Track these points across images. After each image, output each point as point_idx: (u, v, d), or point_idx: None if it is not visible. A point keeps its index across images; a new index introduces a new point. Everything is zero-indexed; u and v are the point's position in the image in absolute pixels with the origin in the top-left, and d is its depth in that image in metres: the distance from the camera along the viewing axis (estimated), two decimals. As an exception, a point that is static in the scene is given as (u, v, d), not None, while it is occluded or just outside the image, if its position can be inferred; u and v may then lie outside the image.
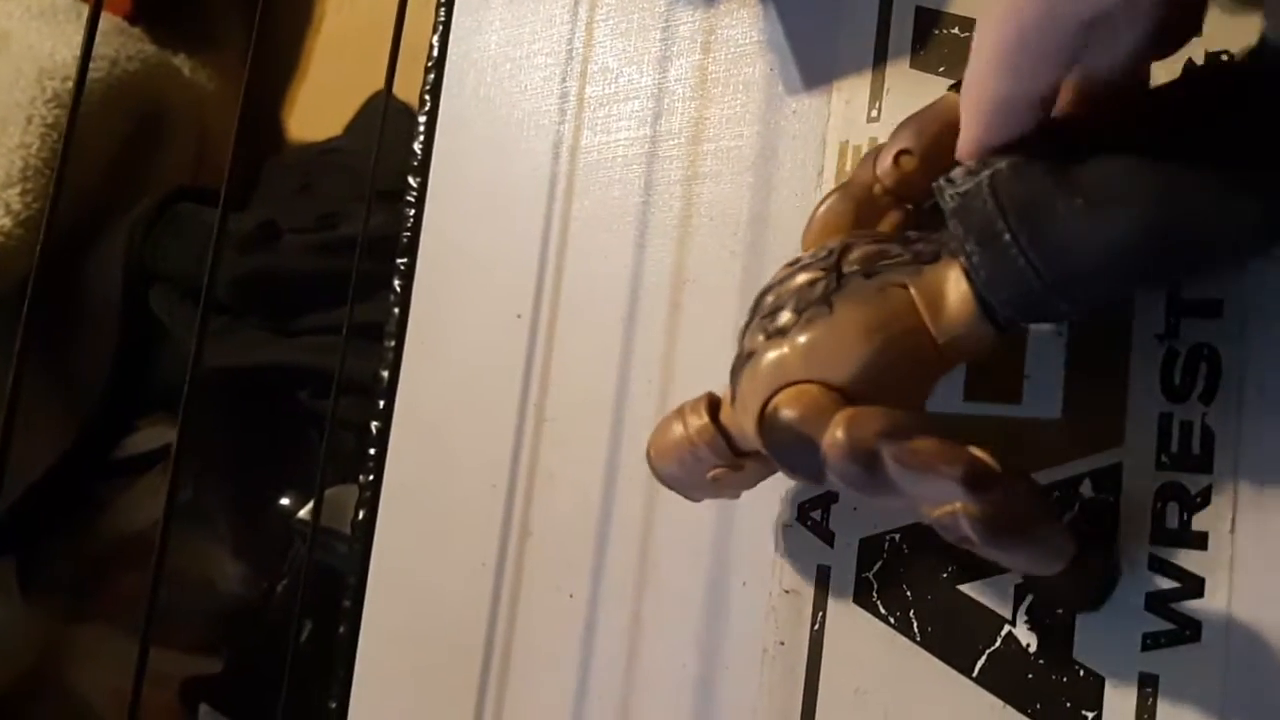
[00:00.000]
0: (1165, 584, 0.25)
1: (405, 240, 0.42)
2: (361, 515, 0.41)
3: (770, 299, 0.24)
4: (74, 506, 0.77)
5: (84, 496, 0.78)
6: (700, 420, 0.26)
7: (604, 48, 0.37)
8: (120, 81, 0.75)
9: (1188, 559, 0.25)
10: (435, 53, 0.42)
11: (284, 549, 0.70)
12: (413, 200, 0.42)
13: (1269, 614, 0.24)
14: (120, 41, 0.76)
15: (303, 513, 0.68)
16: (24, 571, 0.76)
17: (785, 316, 0.23)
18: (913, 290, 0.23)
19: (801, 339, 0.23)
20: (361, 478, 0.42)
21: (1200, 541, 0.25)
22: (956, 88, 0.24)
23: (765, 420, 0.23)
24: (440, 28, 0.42)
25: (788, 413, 0.22)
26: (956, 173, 0.22)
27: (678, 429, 0.26)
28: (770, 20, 0.33)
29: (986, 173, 0.21)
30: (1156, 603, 0.25)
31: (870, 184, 0.26)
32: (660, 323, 0.33)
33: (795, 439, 0.22)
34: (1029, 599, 0.27)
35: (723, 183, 0.33)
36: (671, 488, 0.28)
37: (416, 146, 0.42)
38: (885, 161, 0.25)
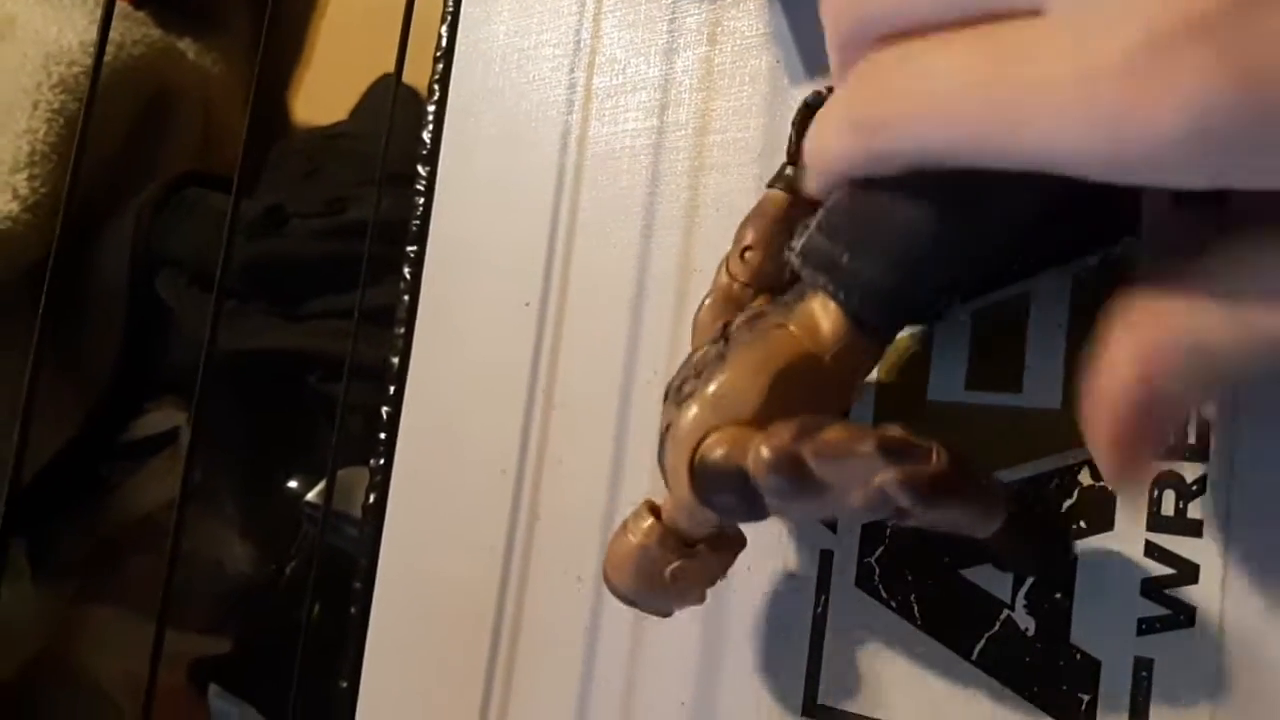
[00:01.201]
0: (1161, 570, 0.26)
1: (415, 228, 0.42)
2: (372, 499, 0.42)
3: (675, 384, 0.26)
4: (83, 489, 0.78)
5: (93, 479, 0.79)
6: (645, 521, 0.27)
7: (611, 39, 0.38)
8: (126, 66, 0.75)
9: (1183, 546, 0.26)
10: (444, 43, 0.43)
11: (293, 531, 0.71)
12: (422, 189, 0.42)
13: (1261, 600, 0.25)
14: (125, 26, 0.76)
15: (311, 495, 0.69)
16: (34, 553, 0.77)
17: (689, 386, 0.25)
18: (791, 326, 0.25)
19: (708, 391, 0.24)
20: (372, 462, 0.42)
21: (1195, 529, 0.26)
22: (774, 183, 0.28)
23: (694, 472, 0.24)
24: (449, 17, 0.42)
25: (712, 454, 0.24)
26: (794, 240, 0.25)
27: (625, 539, 0.27)
28: (776, 13, 0.34)
29: (814, 222, 0.24)
30: (1152, 588, 0.26)
31: (729, 285, 0.28)
32: (667, 312, 0.34)
33: (724, 476, 0.23)
34: (1028, 583, 0.27)
35: (730, 174, 0.34)
36: (635, 603, 0.28)
37: (425, 135, 0.42)
38: (735, 262, 0.28)
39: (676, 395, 0.25)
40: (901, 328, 0.27)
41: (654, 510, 0.27)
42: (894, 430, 0.22)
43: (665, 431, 0.25)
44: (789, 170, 0.28)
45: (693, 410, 0.24)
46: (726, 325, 0.26)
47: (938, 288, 0.24)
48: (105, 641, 0.75)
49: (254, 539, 0.74)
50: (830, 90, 0.26)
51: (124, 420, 0.80)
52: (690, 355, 0.27)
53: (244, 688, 0.68)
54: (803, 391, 0.24)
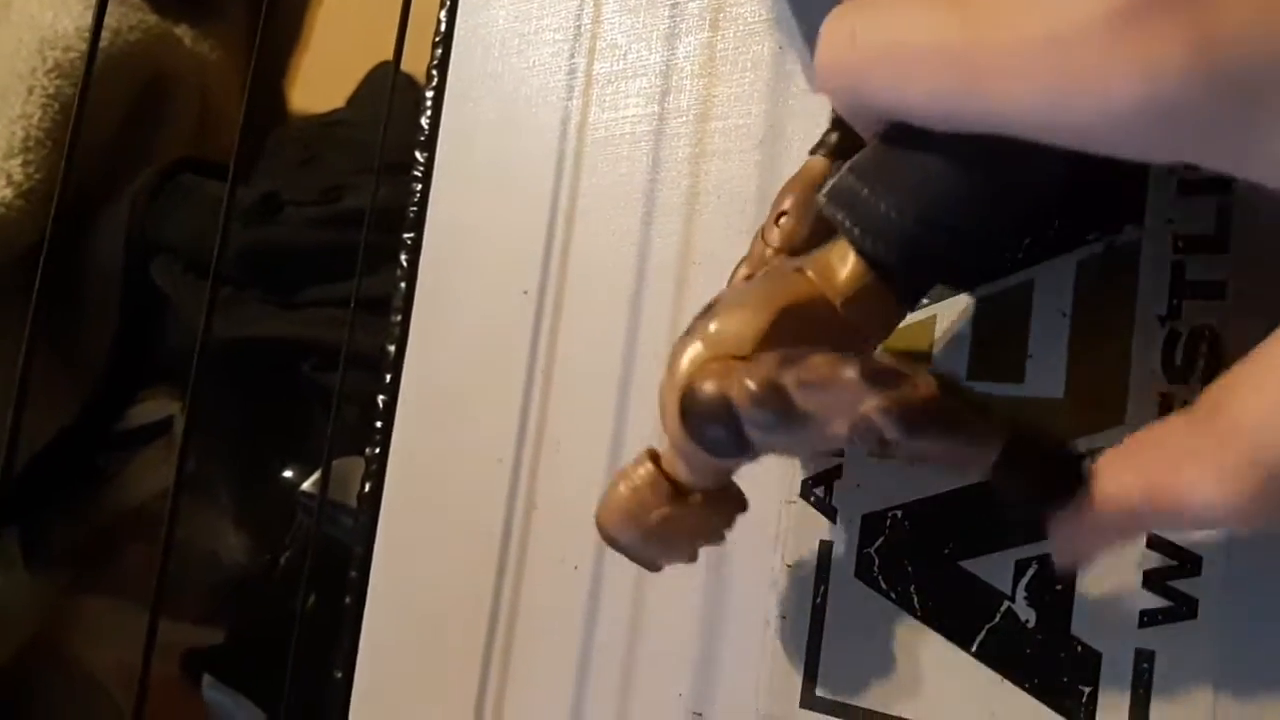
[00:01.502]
0: (1162, 562, 0.26)
1: (412, 215, 0.42)
2: (368, 488, 0.42)
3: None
4: (77, 478, 0.78)
5: (87, 468, 0.78)
6: (642, 466, 0.26)
7: (612, 24, 0.37)
8: (122, 52, 0.74)
9: (1185, 537, 0.25)
10: (443, 27, 0.42)
11: (287, 521, 0.70)
12: (419, 175, 0.42)
13: (1264, 592, 0.25)
14: (121, 11, 0.75)
15: (306, 485, 0.69)
16: (27, 542, 0.76)
17: (691, 324, 0.24)
18: (808, 271, 0.24)
19: (709, 328, 0.24)
20: (368, 450, 0.42)
21: (1198, 520, 0.25)
22: (816, 150, 0.27)
23: (684, 404, 0.23)
24: (448, 2, 0.42)
25: (702, 387, 0.23)
26: (825, 182, 0.24)
27: (620, 484, 0.26)
28: (779, -2, 0.34)
29: (845, 165, 0.24)
30: (1154, 580, 0.26)
31: (762, 251, 0.27)
32: (667, 300, 0.34)
33: (712, 409, 0.23)
34: (1029, 574, 0.27)
35: (731, 161, 0.33)
36: (624, 550, 0.27)
37: (424, 121, 0.42)
38: (770, 228, 0.27)
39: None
40: (916, 290, 0.25)
41: (653, 457, 0.26)
42: (880, 358, 0.21)
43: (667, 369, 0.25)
44: (831, 137, 0.27)
45: (691, 346, 0.24)
46: (748, 280, 0.26)
47: (954, 240, 0.23)
48: (99, 631, 0.74)
49: (249, 529, 0.73)
50: None
51: (118, 409, 0.80)
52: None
53: (238, 678, 0.68)
54: (808, 334, 0.23)
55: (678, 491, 0.26)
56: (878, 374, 0.21)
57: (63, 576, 0.77)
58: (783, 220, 0.27)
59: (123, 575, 0.75)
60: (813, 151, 0.27)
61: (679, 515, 0.26)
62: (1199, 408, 0.20)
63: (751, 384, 0.22)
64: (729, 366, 0.23)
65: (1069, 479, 0.22)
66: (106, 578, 0.76)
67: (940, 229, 0.23)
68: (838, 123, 0.27)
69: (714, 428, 0.23)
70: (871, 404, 0.21)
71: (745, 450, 0.23)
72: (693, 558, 0.27)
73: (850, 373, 0.21)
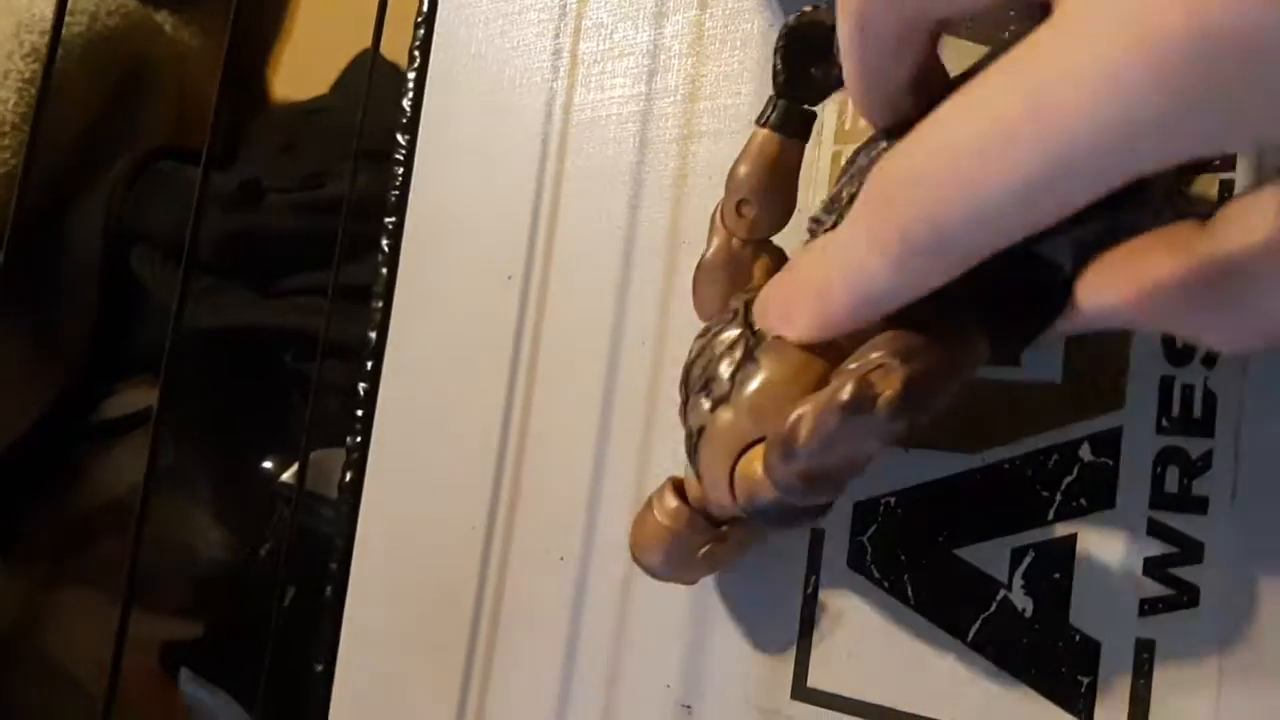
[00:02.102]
0: (1164, 549, 0.25)
1: (393, 199, 0.41)
2: (349, 478, 0.41)
3: (697, 372, 0.25)
4: (53, 470, 0.76)
5: (63, 460, 0.77)
6: (672, 503, 0.27)
7: (598, 3, 0.37)
8: (100, 37, 0.73)
9: (1187, 524, 0.25)
10: (425, 8, 0.41)
11: (267, 513, 0.69)
12: (401, 159, 0.41)
13: (1268, 579, 0.24)
14: (100, -5, 0.74)
15: (286, 476, 0.68)
16: (1, 535, 0.75)
17: (721, 384, 0.24)
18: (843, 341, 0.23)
19: (744, 399, 0.23)
20: (349, 440, 0.41)
21: (1200, 506, 0.25)
22: (762, 120, 0.26)
23: (735, 487, 0.24)
24: (430, -19, 0.41)
25: (751, 475, 0.23)
26: (817, 212, 0.24)
27: (653, 520, 0.27)
28: (769, -24, 0.33)
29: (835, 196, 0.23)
30: (1155, 568, 0.25)
31: (728, 242, 0.27)
32: (655, 284, 0.33)
33: (763, 496, 0.23)
34: (1027, 562, 0.26)
35: (721, 141, 0.33)
36: (663, 578, 0.29)
37: (405, 104, 0.41)
38: (730, 216, 0.26)
39: (704, 394, 0.24)
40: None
41: (679, 491, 0.27)
42: (841, 382, 0.20)
43: (698, 434, 0.24)
44: (778, 105, 0.26)
45: (730, 418, 0.23)
46: (748, 306, 0.24)
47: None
48: (74, 625, 0.73)
49: (228, 521, 0.72)
50: (816, 8, 0.24)
51: (96, 400, 0.79)
52: (706, 332, 0.25)
53: (217, 673, 0.66)
54: None
55: (711, 523, 0.27)
56: (855, 402, 0.20)
57: (39, 570, 0.76)
58: (745, 209, 0.26)
59: (99, 568, 0.74)
60: (759, 121, 0.26)
61: (719, 549, 0.27)
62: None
63: (771, 487, 0.22)
64: (758, 461, 0.23)
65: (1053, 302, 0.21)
66: (82, 570, 0.75)
67: None
68: (783, 89, 0.25)
69: (767, 510, 0.23)
70: (872, 426, 0.20)
71: (803, 518, 0.24)
72: (731, 568, 0.29)
73: (834, 419, 0.20)
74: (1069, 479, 0.26)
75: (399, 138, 0.42)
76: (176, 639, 0.69)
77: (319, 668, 0.40)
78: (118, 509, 0.77)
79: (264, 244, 0.64)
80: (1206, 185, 0.26)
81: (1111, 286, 0.20)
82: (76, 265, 0.76)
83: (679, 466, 0.29)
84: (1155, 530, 0.25)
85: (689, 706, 0.31)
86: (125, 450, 0.77)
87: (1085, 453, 0.26)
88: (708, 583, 0.31)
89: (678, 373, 0.26)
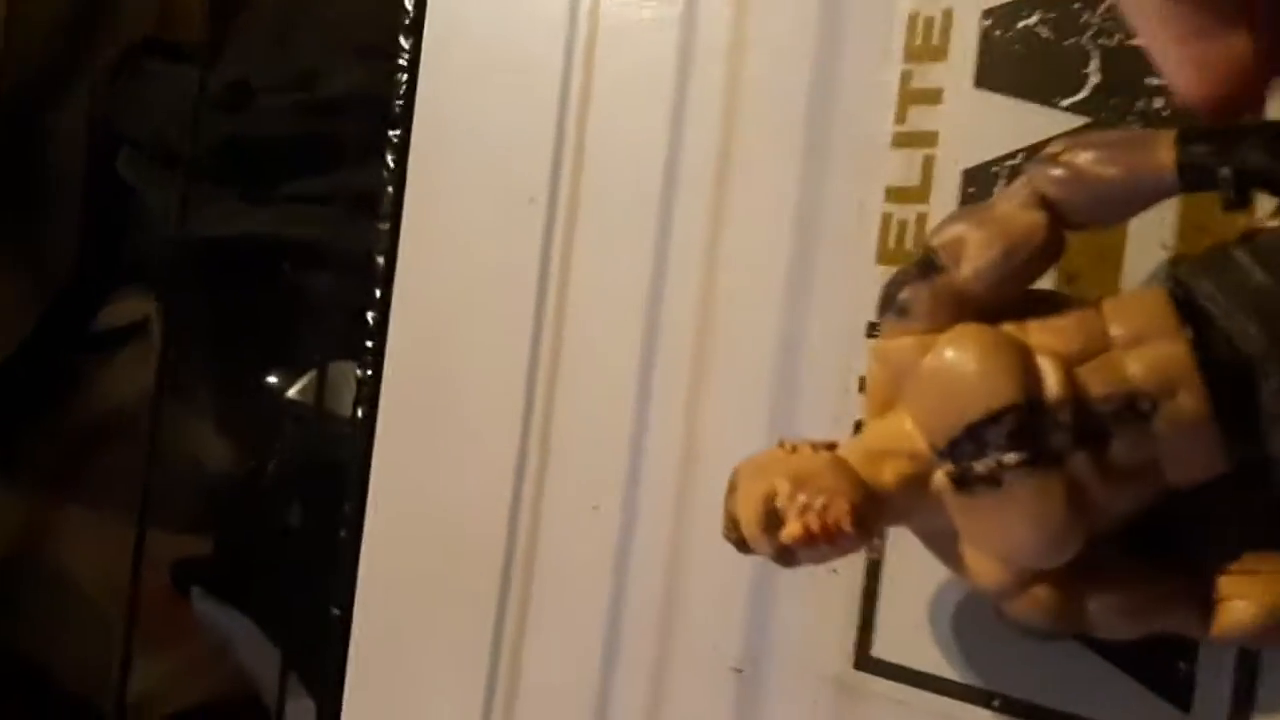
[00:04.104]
0: None
1: (398, 109, 0.37)
2: (360, 413, 0.38)
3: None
4: (50, 382, 0.74)
5: (60, 372, 0.75)
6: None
7: (628, -115, 0.32)
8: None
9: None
10: (429, -111, 0.37)
11: (273, 428, 0.67)
12: (405, 64, 0.37)
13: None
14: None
15: (293, 391, 0.65)
16: (1, 449, 0.73)
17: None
18: None
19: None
20: (359, 372, 0.38)
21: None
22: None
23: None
24: None
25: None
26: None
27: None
28: None
29: None
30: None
31: (951, 279, 0.21)
32: (701, 211, 0.29)
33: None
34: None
35: (777, 56, 0.29)
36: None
37: (408, 2, 0.37)
38: (964, 263, 0.21)
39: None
40: None
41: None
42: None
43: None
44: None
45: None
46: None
47: None
48: (80, 539, 0.72)
49: (232, 435, 0.70)
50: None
51: (90, 309, 0.76)
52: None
53: (230, 591, 0.65)
54: None
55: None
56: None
57: (41, 484, 0.75)
58: (980, 260, 0.21)
59: (102, 482, 0.72)
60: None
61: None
62: None
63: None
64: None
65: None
66: (85, 485, 0.73)
67: None
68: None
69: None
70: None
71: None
72: None
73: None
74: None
75: (401, 40, 0.37)
76: (187, 556, 0.68)
77: (336, 612, 0.38)
78: (119, 419, 0.74)
79: (257, 149, 0.60)
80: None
81: None
82: (61, 168, 0.73)
83: (734, 415, 0.26)
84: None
85: (740, 670, 0.29)
86: (123, 362, 0.75)
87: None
88: (759, 543, 0.29)
89: (730, 308, 0.23)
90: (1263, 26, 0.18)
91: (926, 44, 0.26)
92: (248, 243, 0.63)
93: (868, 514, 0.20)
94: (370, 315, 0.38)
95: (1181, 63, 0.18)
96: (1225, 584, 0.21)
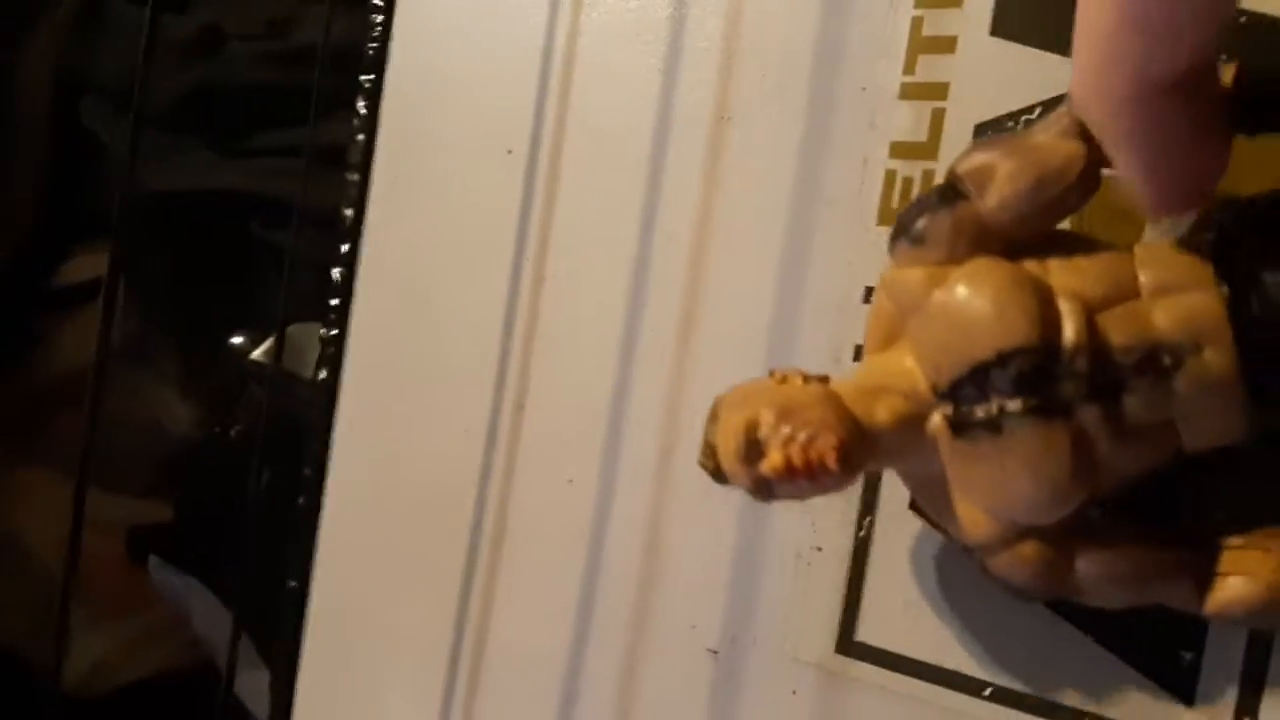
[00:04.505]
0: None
1: (371, 53, 0.35)
2: (323, 375, 0.36)
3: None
4: (9, 339, 0.72)
5: (20, 329, 0.72)
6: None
7: None
8: None
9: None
10: None
11: (238, 391, 0.65)
12: (380, 4, 0.35)
13: None
14: None
15: (257, 354, 0.63)
16: (-44, 408, 0.71)
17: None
18: None
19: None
20: (323, 331, 0.36)
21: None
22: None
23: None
24: None
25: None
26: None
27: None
28: None
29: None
30: (1285, 531, 0.21)
31: (977, 209, 0.20)
32: (693, 169, 0.28)
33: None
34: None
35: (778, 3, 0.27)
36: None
37: (386, -61, 0.35)
38: (987, 192, 0.20)
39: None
40: None
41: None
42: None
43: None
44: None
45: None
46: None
47: None
48: (36, 505, 0.70)
49: (195, 398, 0.68)
50: None
51: (51, 264, 0.74)
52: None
53: (188, 559, 0.63)
54: None
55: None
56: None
57: (-3, 445, 0.72)
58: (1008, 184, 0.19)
59: (58, 445, 0.70)
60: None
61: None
62: None
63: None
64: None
65: None
66: (41, 448, 0.71)
67: None
68: None
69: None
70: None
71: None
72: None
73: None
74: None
75: (378, -20, 0.36)
76: (143, 522, 0.66)
77: (292, 584, 0.37)
78: (79, 380, 0.72)
79: (227, 98, 0.58)
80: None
81: None
82: (22, 116, 0.70)
83: (721, 384, 0.25)
84: None
85: (716, 651, 0.28)
86: (86, 319, 0.72)
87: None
88: (743, 518, 0.27)
89: (721, 275, 0.21)
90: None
91: (936, -12, 0.25)
92: (215, 197, 0.61)
93: (854, 452, 0.19)
94: (337, 272, 0.36)
95: (1163, 179, 0.18)
96: (1230, 558, 0.19)
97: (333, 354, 0.36)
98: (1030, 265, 0.19)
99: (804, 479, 0.19)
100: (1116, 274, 0.19)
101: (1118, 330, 0.18)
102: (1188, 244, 0.19)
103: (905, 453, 0.20)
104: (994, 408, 0.18)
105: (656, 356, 0.29)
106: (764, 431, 0.19)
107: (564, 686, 0.30)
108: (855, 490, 0.26)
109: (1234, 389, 0.18)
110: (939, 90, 0.24)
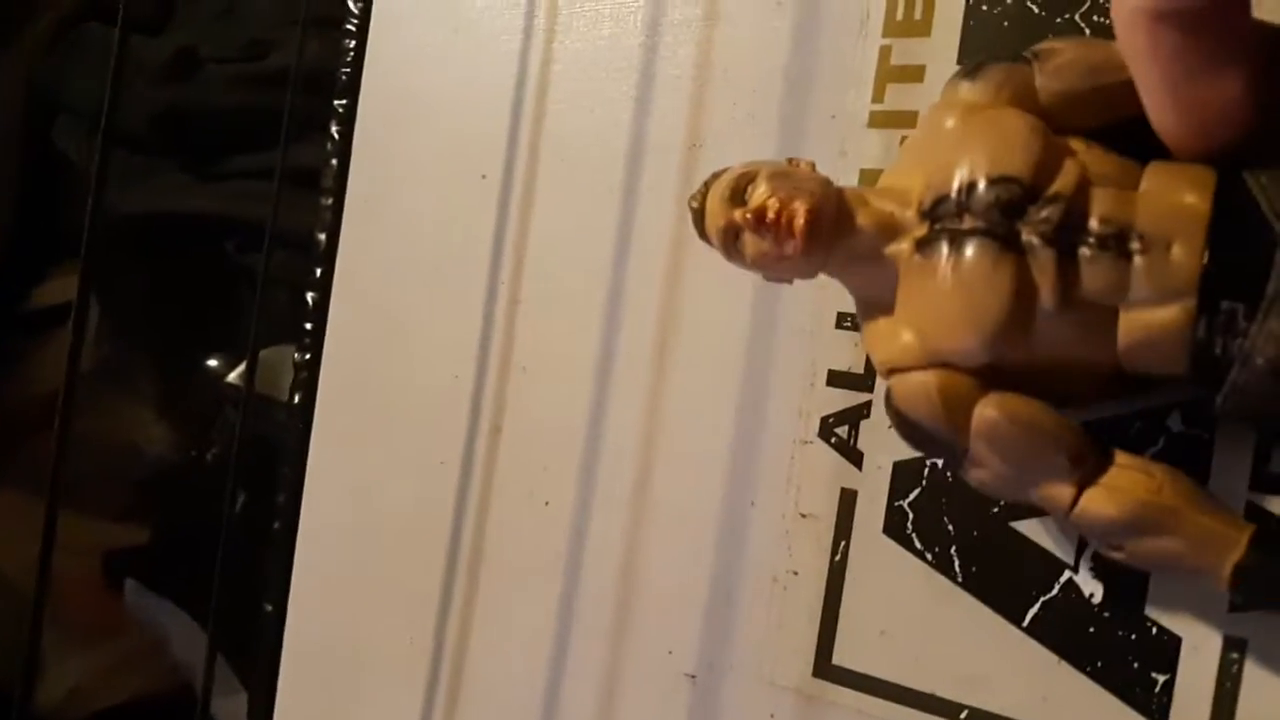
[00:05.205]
0: (1264, 533, 0.21)
1: (344, 78, 0.36)
2: (298, 399, 0.36)
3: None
4: (-23, 363, 0.71)
5: (-12, 352, 0.72)
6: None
7: None
8: None
9: (1293, 507, 0.21)
10: None
11: (213, 413, 0.65)
12: (353, 29, 0.35)
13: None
14: None
15: (233, 376, 0.63)
16: (-71, 431, 0.70)
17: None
18: None
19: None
20: (297, 356, 0.36)
21: (1311, 488, 0.21)
22: None
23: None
24: None
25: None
26: None
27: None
28: None
29: None
30: (1252, 554, 0.21)
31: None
32: (666, 195, 0.28)
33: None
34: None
35: (743, 29, 0.27)
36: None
37: (360, -36, 0.35)
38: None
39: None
40: None
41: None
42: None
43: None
44: None
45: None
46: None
47: None
48: (10, 530, 0.69)
49: (171, 421, 0.68)
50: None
51: (24, 287, 0.73)
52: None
53: (165, 583, 0.63)
54: None
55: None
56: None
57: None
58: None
59: (32, 468, 0.69)
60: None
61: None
62: None
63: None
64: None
65: None
66: (15, 471, 0.70)
67: None
68: None
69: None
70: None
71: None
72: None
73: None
74: (1154, 450, 0.22)
75: (350, 4, 0.36)
76: (119, 546, 0.65)
77: (268, 608, 0.36)
78: (52, 404, 0.72)
79: (201, 121, 0.58)
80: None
81: None
82: (-6, 137, 0.69)
83: (696, 409, 0.25)
84: (1254, 515, 0.21)
85: (693, 676, 0.28)
86: (59, 341, 0.72)
87: (1175, 423, 0.22)
88: (719, 542, 0.27)
89: (696, 299, 0.21)
90: (1252, 68, 0.17)
91: (908, 18, 0.25)
92: (190, 220, 0.61)
93: (822, 227, 0.20)
94: (311, 296, 0.36)
95: (1170, 105, 0.18)
96: (1114, 473, 0.20)
97: (306, 377, 0.36)
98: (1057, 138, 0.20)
99: (769, 232, 0.20)
100: (1127, 171, 0.19)
101: (1104, 201, 0.19)
102: (1202, 166, 0.19)
103: (866, 261, 0.21)
104: (963, 224, 0.19)
105: (632, 380, 0.29)
106: (755, 184, 0.20)
107: (541, 712, 0.30)
108: (830, 515, 0.26)
109: (1188, 293, 0.18)
110: (908, 118, 0.24)
